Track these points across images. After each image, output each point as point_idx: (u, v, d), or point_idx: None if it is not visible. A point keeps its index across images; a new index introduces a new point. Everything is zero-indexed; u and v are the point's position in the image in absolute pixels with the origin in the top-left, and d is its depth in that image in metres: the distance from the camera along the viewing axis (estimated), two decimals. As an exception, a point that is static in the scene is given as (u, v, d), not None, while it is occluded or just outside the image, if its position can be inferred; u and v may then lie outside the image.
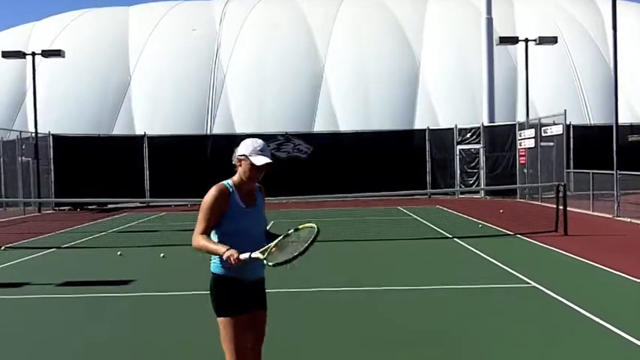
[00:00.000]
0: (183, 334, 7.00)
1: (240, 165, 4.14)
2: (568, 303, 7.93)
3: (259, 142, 4.15)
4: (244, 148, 4.13)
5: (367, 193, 24.25)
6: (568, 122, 24.20)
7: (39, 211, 26.29)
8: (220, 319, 4.05)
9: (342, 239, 15.21)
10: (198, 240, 4.03)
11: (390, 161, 29.00)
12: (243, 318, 4.04)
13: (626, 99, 32.34)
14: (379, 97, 36.17)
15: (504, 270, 10.44)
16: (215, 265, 4.10)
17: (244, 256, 3.87)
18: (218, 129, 34.71)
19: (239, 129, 34.03)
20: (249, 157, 4.09)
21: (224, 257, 3.89)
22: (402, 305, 8.35)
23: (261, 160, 4.07)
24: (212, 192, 4.08)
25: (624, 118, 27.08)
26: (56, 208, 27.65)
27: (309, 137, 31.03)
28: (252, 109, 35.89)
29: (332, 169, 28.72)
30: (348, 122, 34.36)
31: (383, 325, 7.32)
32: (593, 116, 34.85)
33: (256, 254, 3.88)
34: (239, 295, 4.04)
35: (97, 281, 10.36)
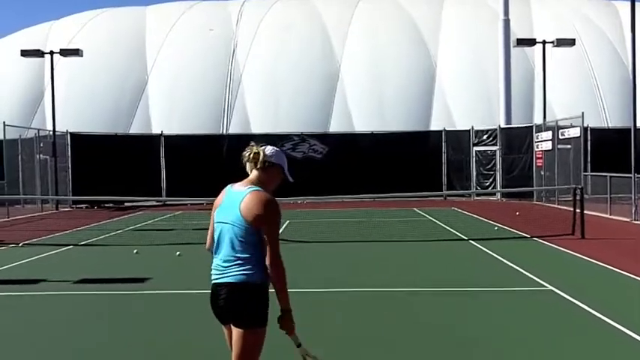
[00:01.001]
0: (198, 333, 7.02)
1: (271, 171, 4.07)
2: (585, 307, 7.86)
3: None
4: (281, 158, 4.10)
5: (382, 194, 24.19)
6: (585, 125, 24.02)
7: (56, 209, 26.50)
8: (258, 330, 3.92)
9: (356, 240, 15.21)
10: (284, 270, 3.89)
11: (405, 162, 28.91)
12: None
13: (644, 102, 32.04)
14: (395, 98, 36.10)
15: (521, 273, 10.37)
16: (257, 275, 3.91)
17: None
18: (234, 129, 34.82)
19: (255, 129, 34.11)
20: (285, 171, 4.11)
21: (288, 314, 3.93)
22: (416, 307, 8.32)
23: (291, 178, 4.14)
24: (276, 204, 3.92)
25: (643, 121, 26.81)
26: (73, 206, 27.86)
27: (324, 137, 31.04)
28: (268, 109, 35.98)
29: (347, 169, 28.68)
30: (363, 123, 34.32)
31: (397, 325, 7.30)
32: (611, 119, 34.57)
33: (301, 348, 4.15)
34: None
35: (113, 279, 10.43)
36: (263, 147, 4.10)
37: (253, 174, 4.06)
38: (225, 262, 3.94)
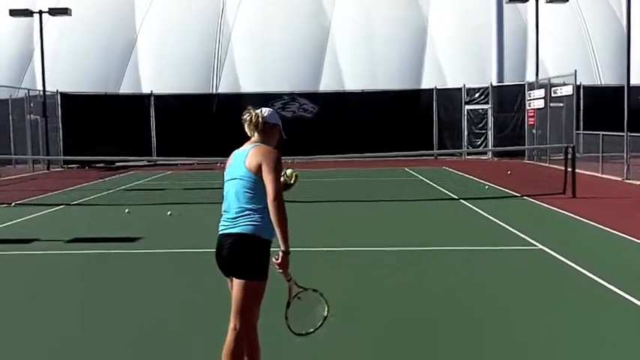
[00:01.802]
0: (190, 290, 7.06)
1: (271, 131, 4.26)
2: (574, 266, 7.93)
3: None
4: (277, 118, 4.33)
5: (373, 154, 24.15)
6: (578, 83, 23.89)
7: (48, 169, 26.42)
8: (259, 283, 4.04)
9: (346, 200, 15.23)
10: (284, 208, 3.97)
11: (396, 121, 28.83)
12: None
13: (638, 59, 31.91)
14: (386, 56, 35.75)
15: (511, 232, 10.44)
16: (264, 229, 4.03)
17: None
18: (224, 88, 34.49)
19: (245, 88, 33.83)
20: (281, 130, 4.35)
21: (287, 256, 4.00)
22: (406, 266, 8.38)
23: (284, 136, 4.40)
24: (277, 153, 4.11)
25: (636, 79, 26.73)
26: (64, 166, 27.78)
27: (314, 96, 30.84)
28: (257, 68, 35.59)
29: (338, 128, 28.60)
30: (354, 81, 34.03)
31: (387, 285, 7.35)
32: (604, 77, 34.43)
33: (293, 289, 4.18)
34: None
35: (105, 238, 10.45)
36: (260, 111, 4.29)
37: (255, 136, 4.26)
38: (233, 214, 4.07)
